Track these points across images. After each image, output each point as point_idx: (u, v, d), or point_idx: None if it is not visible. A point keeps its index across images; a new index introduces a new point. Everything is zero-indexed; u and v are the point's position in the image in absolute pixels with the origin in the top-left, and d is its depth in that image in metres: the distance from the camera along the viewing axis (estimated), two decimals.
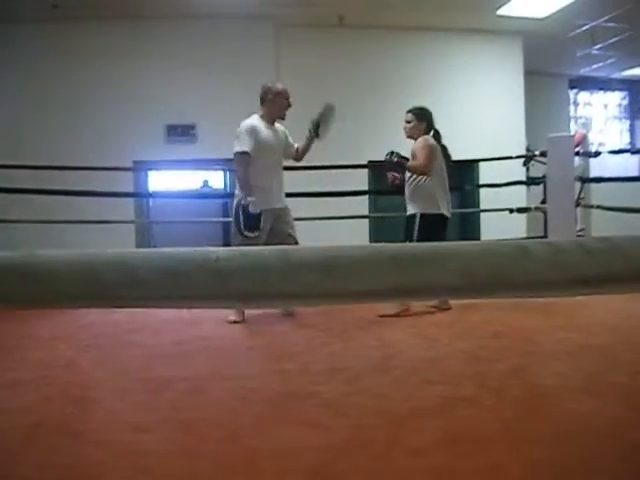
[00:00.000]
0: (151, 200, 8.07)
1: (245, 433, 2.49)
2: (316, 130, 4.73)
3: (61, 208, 6.40)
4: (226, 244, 7.16)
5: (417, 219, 4.72)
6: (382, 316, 4.64)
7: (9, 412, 2.76)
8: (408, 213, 4.86)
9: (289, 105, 4.72)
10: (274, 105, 4.68)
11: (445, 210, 4.79)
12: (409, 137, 4.88)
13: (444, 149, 4.90)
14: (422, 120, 4.85)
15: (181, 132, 7.87)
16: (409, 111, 4.90)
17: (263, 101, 4.71)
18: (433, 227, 4.70)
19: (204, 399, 2.94)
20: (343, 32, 8.26)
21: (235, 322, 4.61)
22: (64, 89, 7.59)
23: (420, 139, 4.77)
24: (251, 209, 4.39)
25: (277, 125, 4.78)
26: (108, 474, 2.12)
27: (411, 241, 4.63)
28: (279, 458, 2.22)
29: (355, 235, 7.47)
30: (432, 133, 4.85)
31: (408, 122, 4.87)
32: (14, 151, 6.45)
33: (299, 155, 4.92)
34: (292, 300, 0.86)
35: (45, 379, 3.26)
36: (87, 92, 7.58)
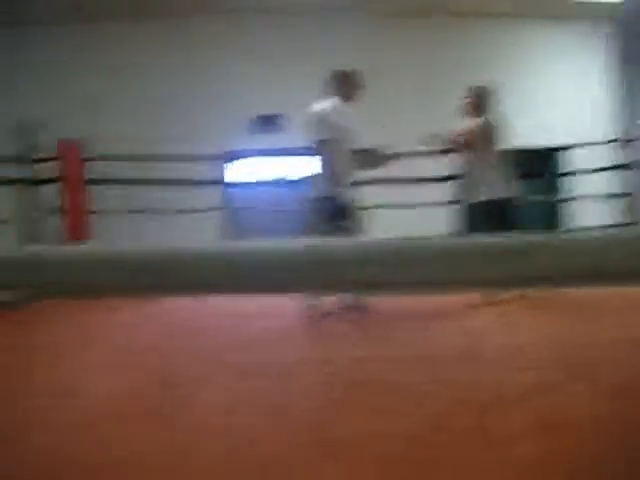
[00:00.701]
0: (237, 189, 8.21)
1: (328, 419, 2.51)
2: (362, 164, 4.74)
3: (153, 198, 6.61)
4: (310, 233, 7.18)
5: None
6: (467, 306, 4.59)
7: (101, 399, 2.88)
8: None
9: (362, 88, 4.66)
10: (350, 89, 4.62)
11: (487, 195, 4.70)
12: (466, 115, 4.89)
13: (494, 130, 4.82)
14: (476, 99, 4.86)
15: (268, 122, 8.00)
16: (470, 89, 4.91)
17: (340, 85, 4.63)
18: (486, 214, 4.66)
19: (290, 385, 2.98)
20: (425, 22, 8.17)
21: (315, 311, 4.50)
22: (160, 82, 7.82)
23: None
24: (342, 197, 4.39)
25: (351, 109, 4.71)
26: (197, 456, 2.18)
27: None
28: (359, 445, 2.23)
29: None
30: (489, 114, 4.81)
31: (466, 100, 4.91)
32: (110, 144, 6.66)
33: None
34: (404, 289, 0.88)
35: (131, 365, 3.38)
36: (180, 84, 7.78)
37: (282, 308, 4.58)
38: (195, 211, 6.50)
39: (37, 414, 2.59)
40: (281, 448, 2.19)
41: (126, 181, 6.26)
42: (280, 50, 7.93)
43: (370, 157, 4.73)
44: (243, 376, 3.08)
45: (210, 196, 7.22)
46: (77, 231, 5.21)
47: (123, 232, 5.87)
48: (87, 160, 5.67)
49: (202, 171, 6.87)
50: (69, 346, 3.89)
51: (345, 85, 4.62)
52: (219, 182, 7.59)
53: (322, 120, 4.48)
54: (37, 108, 6.99)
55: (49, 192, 5.80)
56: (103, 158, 5.91)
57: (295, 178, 9.26)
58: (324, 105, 4.51)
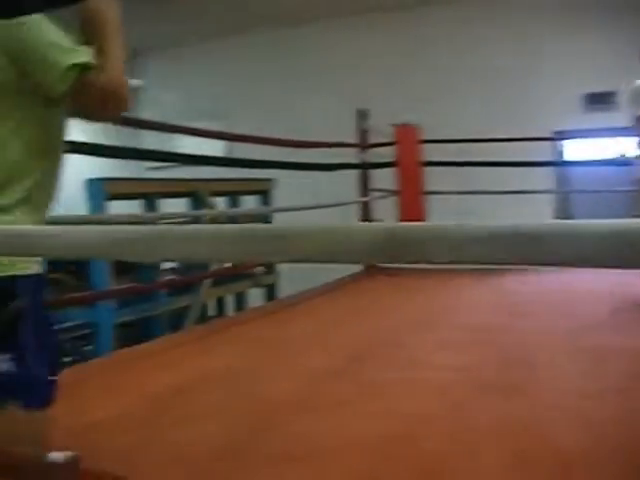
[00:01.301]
0: (569, 170, 7.90)
1: None
2: None
3: (481, 179, 6.62)
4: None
5: None
6: None
7: (459, 369, 2.96)
8: None
9: None
10: None
11: None
12: None
13: None
14: None
15: (600, 100, 7.57)
16: None
17: None
18: None
19: None
20: None
21: None
22: (489, 62, 7.80)
23: None
24: None
25: None
26: (557, 437, 2.13)
27: None
28: None
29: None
30: None
31: None
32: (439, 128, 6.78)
33: None
34: None
35: (481, 341, 3.43)
36: (510, 64, 7.67)
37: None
38: (525, 192, 6.37)
39: None
40: None
41: (459, 163, 6.37)
42: None
43: None
44: None
45: (541, 177, 7.04)
46: (412, 211, 5.41)
47: (453, 212, 6.03)
48: (423, 143, 5.85)
49: (533, 151, 6.70)
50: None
51: None
52: (551, 163, 7.36)
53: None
54: (370, 96, 7.42)
55: (384, 175, 6.11)
56: (438, 142, 6.06)
57: (628, 157, 8.64)
58: None
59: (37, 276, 1.53)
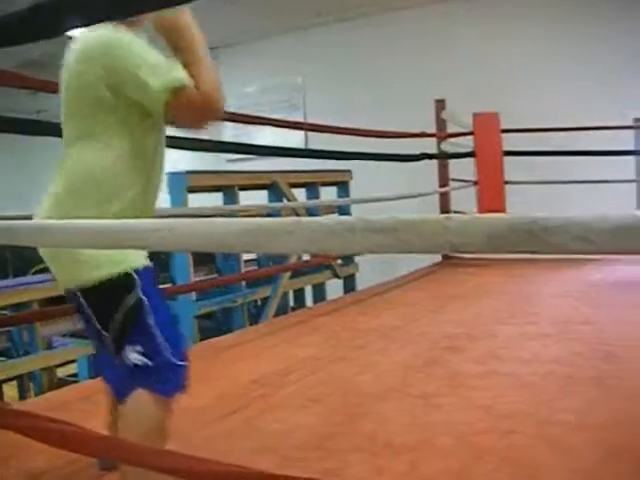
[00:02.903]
0: None
1: None
2: None
3: (562, 169, 6.46)
4: None
5: None
6: None
7: (541, 362, 2.91)
8: None
9: None
10: None
11: None
12: None
13: None
14: None
15: None
16: None
17: None
18: None
19: None
20: None
21: None
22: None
23: None
24: None
25: None
26: None
27: None
28: None
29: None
30: None
31: None
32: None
33: None
34: None
35: (566, 333, 3.37)
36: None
37: None
38: (605, 181, 6.18)
39: None
40: None
41: (539, 152, 6.22)
42: None
43: None
44: None
45: (622, 167, 6.81)
46: (492, 202, 5.32)
47: (533, 203, 5.91)
48: (503, 132, 5.74)
49: (614, 140, 6.49)
50: None
51: None
52: (630, 152, 7.11)
53: None
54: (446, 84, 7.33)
55: (464, 165, 6.04)
56: (518, 131, 5.94)
57: None
58: None
59: (148, 268, 1.59)
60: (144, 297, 1.52)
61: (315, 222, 0.74)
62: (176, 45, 1.52)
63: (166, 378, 1.54)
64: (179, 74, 1.46)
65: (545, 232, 0.62)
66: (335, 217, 0.75)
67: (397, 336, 3.53)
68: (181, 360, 1.58)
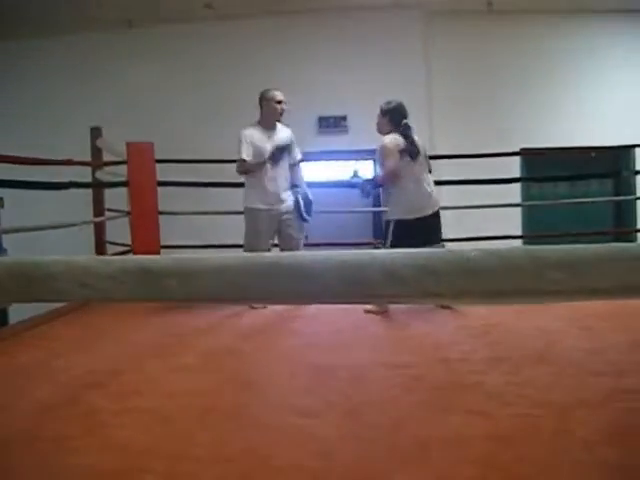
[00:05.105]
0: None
1: (410, 421, 2.51)
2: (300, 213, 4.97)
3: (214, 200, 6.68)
4: (376, 236, 7.21)
5: (390, 226, 4.54)
6: (367, 312, 4.59)
7: (183, 395, 2.94)
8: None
9: (282, 110, 4.88)
10: (268, 110, 4.88)
11: (417, 213, 4.48)
12: (379, 133, 4.65)
13: (413, 144, 4.53)
14: (385, 115, 4.59)
15: (333, 123, 8.00)
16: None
17: (260, 106, 4.93)
18: (404, 232, 4.46)
19: (367, 386, 2.98)
20: (492, 18, 8.04)
21: (373, 312, 4.58)
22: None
23: (383, 139, 4.53)
24: None
25: (280, 128, 4.93)
26: (279, 457, 2.21)
27: (385, 247, 4.45)
28: (447, 447, 2.22)
29: (507, 224, 7.27)
30: (401, 128, 4.53)
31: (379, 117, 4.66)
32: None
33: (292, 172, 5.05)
34: (537, 298, 0.89)
35: (212, 365, 3.45)
36: (245, 85, 7.85)
37: None
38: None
39: None
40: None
41: (192, 184, 6.37)
42: (347, 49, 7.91)
43: None
44: None
45: None
46: (147, 232, 5.32)
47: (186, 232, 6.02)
48: (157, 162, 5.77)
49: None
50: None
51: (262, 106, 4.96)
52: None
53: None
54: (103, 112, 7.21)
55: (117, 194, 5.96)
56: (171, 161, 6.03)
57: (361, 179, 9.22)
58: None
59: None
60: None
61: None
62: None
63: None
64: None
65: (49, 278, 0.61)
66: None
67: (36, 374, 3.31)
68: None
